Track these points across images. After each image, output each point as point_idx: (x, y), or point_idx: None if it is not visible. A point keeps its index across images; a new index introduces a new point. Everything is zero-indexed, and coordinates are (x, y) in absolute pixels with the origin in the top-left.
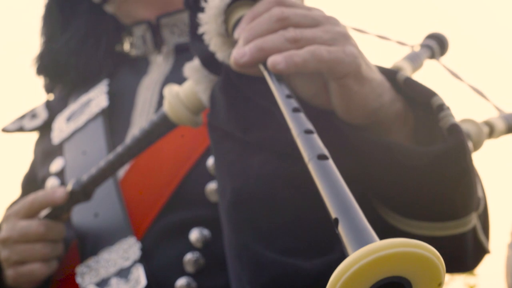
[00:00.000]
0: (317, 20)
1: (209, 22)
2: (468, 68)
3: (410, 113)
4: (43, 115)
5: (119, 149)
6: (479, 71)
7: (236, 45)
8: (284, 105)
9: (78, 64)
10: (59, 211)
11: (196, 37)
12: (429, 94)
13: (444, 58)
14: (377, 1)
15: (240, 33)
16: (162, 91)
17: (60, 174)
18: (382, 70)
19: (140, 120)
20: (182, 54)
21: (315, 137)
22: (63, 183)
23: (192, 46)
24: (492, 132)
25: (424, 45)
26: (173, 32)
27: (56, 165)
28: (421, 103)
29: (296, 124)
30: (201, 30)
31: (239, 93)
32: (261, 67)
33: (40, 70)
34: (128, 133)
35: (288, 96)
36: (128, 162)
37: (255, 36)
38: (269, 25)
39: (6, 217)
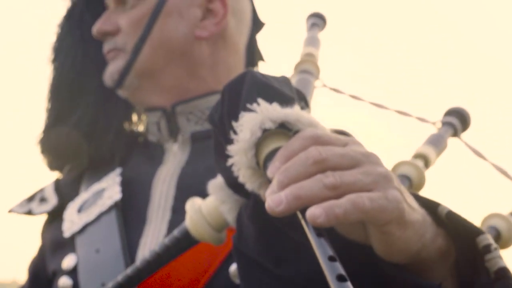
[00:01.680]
0: (356, 160)
1: (238, 155)
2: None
3: (451, 246)
4: (53, 201)
5: (138, 263)
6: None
7: (270, 186)
8: (327, 270)
9: (89, 150)
10: None
11: (221, 156)
12: (474, 232)
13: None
14: (396, 74)
15: (273, 173)
16: (178, 185)
17: (73, 273)
18: (423, 202)
19: (157, 216)
20: (198, 142)
21: None
22: (75, 283)
23: (217, 165)
24: None
25: (445, 123)
26: (189, 119)
27: (68, 262)
28: (464, 239)
29: None
30: (230, 161)
31: (270, 224)
32: (299, 214)
33: (47, 151)
34: (144, 230)
35: (331, 259)
36: (146, 278)
37: (291, 180)
38: (305, 168)
39: None
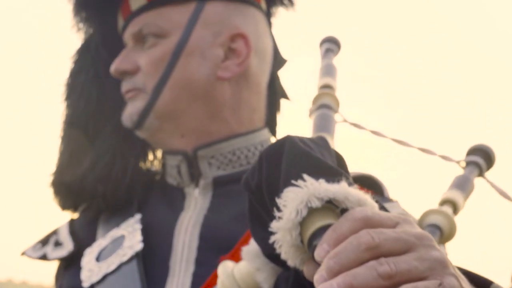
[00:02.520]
0: (410, 243)
1: (281, 233)
2: None
3: None
4: (68, 246)
5: None
6: None
7: (318, 271)
8: None
9: (106, 193)
10: None
11: (257, 224)
12: None
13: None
14: (419, 110)
15: (322, 257)
16: (201, 235)
17: None
18: (473, 279)
19: (180, 268)
20: (220, 187)
21: None
22: None
23: (253, 233)
24: None
25: (470, 162)
26: (211, 164)
27: None
28: None
29: None
30: (272, 238)
31: None
32: None
33: (60, 193)
34: (166, 282)
35: None
36: None
37: (342, 267)
38: (357, 254)
39: None
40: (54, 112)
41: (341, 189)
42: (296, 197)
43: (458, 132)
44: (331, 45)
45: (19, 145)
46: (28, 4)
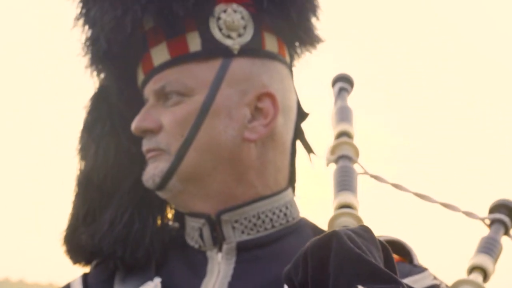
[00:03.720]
0: None
1: None
2: None
3: None
4: None
5: None
6: None
7: None
8: None
9: (124, 255)
10: None
11: None
12: None
13: None
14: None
15: None
16: None
17: None
18: None
19: None
20: (245, 252)
21: None
22: None
23: None
24: None
25: (495, 221)
26: (235, 228)
27: None
28: None
29: None
30: None
31: None
32: None
33: (74, 252)
34: None
35: None
36: None
37: None
38: None
39: None
40: (53, 112)
41: None
42: None
43: (458, 132)
44: (344, 84)
45: (18, 145)
46: (28, 4)
